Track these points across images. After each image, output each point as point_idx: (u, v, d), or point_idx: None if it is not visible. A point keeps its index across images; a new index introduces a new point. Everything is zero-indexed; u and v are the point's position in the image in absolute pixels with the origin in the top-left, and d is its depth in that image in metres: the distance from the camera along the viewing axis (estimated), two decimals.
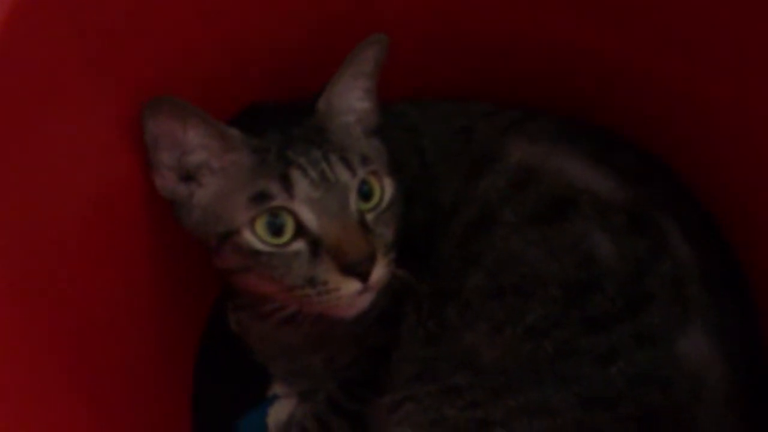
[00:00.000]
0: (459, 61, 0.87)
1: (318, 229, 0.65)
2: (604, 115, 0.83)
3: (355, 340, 0.79)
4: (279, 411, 0.89)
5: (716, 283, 0.71)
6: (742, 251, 0.76)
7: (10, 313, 0.57)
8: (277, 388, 0.90)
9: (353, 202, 0.67)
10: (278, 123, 0.70)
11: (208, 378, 0.90)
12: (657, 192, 0.75)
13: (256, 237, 0.65)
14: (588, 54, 0.80)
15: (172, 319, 0.84)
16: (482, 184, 0.76)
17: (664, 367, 0.67)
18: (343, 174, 0.67)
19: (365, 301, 0.67)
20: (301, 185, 0.65)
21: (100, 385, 0.69)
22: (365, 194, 0.69)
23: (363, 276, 0.65)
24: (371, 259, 0.65)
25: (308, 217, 0.65)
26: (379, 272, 0.66)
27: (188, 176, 0.69)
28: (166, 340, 0.84)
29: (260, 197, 0.65)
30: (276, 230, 0.65)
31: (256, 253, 0.66)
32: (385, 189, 0.70)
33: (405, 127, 0.83)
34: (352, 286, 0.65)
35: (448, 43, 0.85)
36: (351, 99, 0.73)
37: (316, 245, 0.65)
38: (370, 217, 0.69)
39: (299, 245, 0.66)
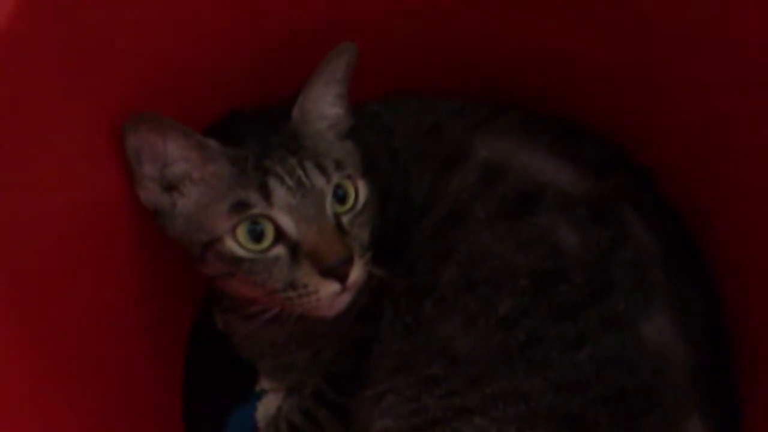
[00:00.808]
0: (431, 62, 0.90)
1: (296, 234, 0.68)
2: (579, 114, 0.85)
3: (338, 335, 0.82)
4: (267, 405, 0.91)
5: (677, 268, 0.74)
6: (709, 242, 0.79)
7: (5, 326, 0.59)
8: (264, 383, 0.93)
9: (329, 206, 0.70)
10: (255, 131, 0.72)
11: (197, 374, 0.93)
12: (618, 182, 0.78)
13: (237, 244, 0.68)
14: (561, 54, 0.82)
15: (160, 319, 0.86)
16: (453, 181, 0.79)
17: (630, 350, 0.69)
18: (319, 180, 0.70)
19: (344, 301, 0.70)
20: (279, 193, 0.68)
21: (92, 384, 0.71)
22: (340, 197, 0.71)
23: (341, 278, 0.68)
24: (349, 262, 0.68)
25: (287, 223, 0.68)
26: (356, 273, 0.69)
27: (170, 187, 0.71)
28: (156, 338, 0.86)
29: (240, 206, 0.68)
30: (256, 237, 0.68)
31: (238, 260, 0.68)
32: (360, 191, 0.73)
33: (377, 127, 0.86)
34: (331, 287, 0.68)
35: (420, 46, 0.88)
36: (323, 105, 0.75)
37: (295, 250, 0.68)
38: (346, 219, 0.71)
39: (279, 250, 0.68)
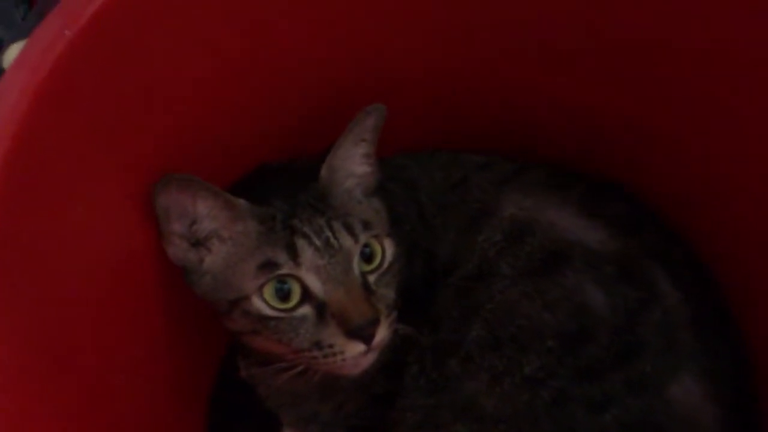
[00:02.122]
0: (454, 117, 0.91)
1: (323, 294, 0.68)
2: (600, 167, 0.86)
3: (361, 389, 0.81)
4: None
5: (707, 327, 0.74)
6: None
7: (29, 387, 0.60)
8: None
9: (356, 266, 0.70)
10: (283, 188, 0.73)
11: (221, 423, 0.93)
12: (646, 240, 0.78)
13: (264, 303, 0.69)
14: (582, 110, 0.83)
15: (186, 368, 0.86)
16: (479, 237, 0.79)
17: (657, 412, 0.69)
18: (347, 240, 0.70)
19: (369, 360, 0.70)
20: (307, 253, 0.68)
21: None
22: (367, 256, 0.72)
23: (367, 339, 0.68)
24: (375, 323, 0.68)
25: (314, 283, 0.68)
26: (382, 333, 0.69)
27: (198, 243, 0.72)
28: (181, 388, 0.86)
29: (268, 265, 0.68)
30: (283, 296, 0.68)
31: (264, 318, 0.69)
32: (386, 250, 0.73)
33: (403, 180, 0.86)
34: (357, 348, 0.68)
35: (444, 102, 0.89)
36: (352, 164, 0.76)
37: (321, 310, 0.68)
38: (372, 278, 0.72)
39: (306, 310, 0.69)
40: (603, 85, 0.80)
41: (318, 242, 0.69)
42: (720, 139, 0.75)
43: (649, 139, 0.82)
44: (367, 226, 0.72)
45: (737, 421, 0.72)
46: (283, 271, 0.68)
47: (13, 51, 0.98)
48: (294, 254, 0.68)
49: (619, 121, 0.82)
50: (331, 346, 0.68)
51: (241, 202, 0.70)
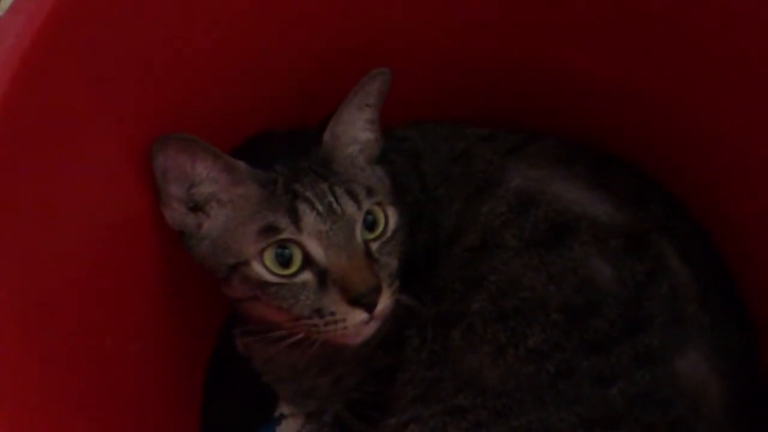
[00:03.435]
0: (458, 87, 0.89)
1: (325, 260, 0.67)
2: (604, 139, 0.84)
3: (360, 362, 0.80)
4: (286, 430, 0.90)
5: (714, 302, 0.73)
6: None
7: (26, 338, 0.59)
8: (284, 408, 0.91)
9: (359, 233, 0.69)
10: (284, 154, 0.72)
11: (216, 397, 0.91)
12: (653, 214, 0.77)
13: (264, 268, 0.67)
14: (592, 84, 0.82)
15: (181, 341, 0.85)
16: (483, 208, 0.78)
17: (664, 386, 0.68)
18: (349, 206, 0.68)
19: (370, 329, 0.69)
20: (308, 218, 0.67)
21: (111, 406, 0.71)
22: (370, 224, 0.70)
23: (369, 307, 0.67)
24: (377, 291, 0.67)
25: (315, 249, 0.67)
26: (384, 302, 0.68)
27: (196, 207, 0.70)
28: (175, 361, 0.85)
29: (269, 230, 0.67)
30: (284, 261, 0.67)
31: (264, 284, 0.67)
32: (389, 218, 0.72)
33: (406, 151, 0.85)
34: (358, 316, 0.67)
35: (447, 72, 0.87)
36: (355, 130, 0.74)
37: (323, 276, 0.67)
38: (374, 246, 0.70)
39: (307, 276, 0.67)
40: (613, 58, 0.79)
41: (320, 207, 0.67)
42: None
43: (663, 115, 0.80)
44: (370, 192, 0.71)
45: (742, 396, 0.71)
46: (284, 235, 0.67)
47: None
48: (295, 219, 0.67)
49: (629, 95, 0.81)
50: (332, 313, 0.67)
51: (242, 164, 0.69)
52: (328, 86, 0.76)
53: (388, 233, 0.72)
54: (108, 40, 0.60)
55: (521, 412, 0.69)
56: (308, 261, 0.67)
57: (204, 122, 0.71)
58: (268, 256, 0.67)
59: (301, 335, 0.70)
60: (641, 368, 0.68)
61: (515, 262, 0.74)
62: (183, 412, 0.88)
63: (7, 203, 0.55)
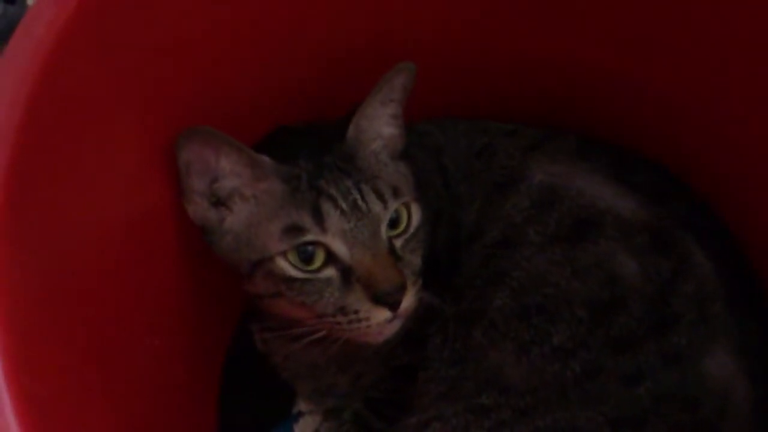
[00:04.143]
0: (476, 83, 0.88)
1: (349, 259, 0.66)
2: (623, 135, 0.83)
3: (381, 360, 0.80)
4: (304, 428, 0.89)
5: (739, 301, 0.72)
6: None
7: (48, 333, 0.58)
8: (302, 406, 0.90)
9: (384, 232, 0.68)
10: (308, 149, 0.71)
11: (233, 394, 0.91)
12: (678, 210, 0.76)
13: (288, 263, 0.67)
14: (610, 78, 0.81)
15: (199, 336, 0.84)
16: (506, 204, 0.77)
17: (691, 386, 0.67)
18: (376, 205, 0.68)
19: (394, 328, 0.69)
20: (333, 218, 0.66)
21: (130, 401, 0.70)
22: (393, 221, 0.70)
23: (393, 305, 0.66)
24: (402, 289, 0.66)
25: (340, 248, 0.66)
26: (408, 301, 0.67)
27: (219, 202, 0.70)
28: (193, 356, 0.84)
29: (293, 230, 0.66)
30: (306, 257, 0.66)
31: (289, 280, 0.67)
32: (413, 215, 0.71)
33: (428, 146, 0.84)
34: (382, 315, 0.66)
35: (465, 68, 0.87)
36: (379, 125, 0.74)
37: (347, 274, 0.66)
38: (398, 243, 0.70)
39: (330, 272, 0.67)
40: (629, 55, 0.78)
41: (344, 205, 0.67)
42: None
43: (682, 114, 0.80)
44: (396, 192, 0.70)
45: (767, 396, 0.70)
46: (309, 237, 0.66)
47: None
48: (320, 219, 0.66)
49: (648, 93, 0.80)
50: (356, 311, 0.66)
51: (266, 159, 0.68)
52: (345, 85, 0.76)
53: (411, 230, 0.71)
54: (132, 32, 0.60)
55: (546, 412, 0.68)
56: (331, 258, 0.67)
57: (226, 116, 0.71)
58: (292, 254, 0.67)
59: (323, 333, 0.70)
60: (668, 368, 0.68)
61: (538, 258, 0.73)
62: (201, 408, 0.88)
63: (31, 195, 0.54)
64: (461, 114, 0.89)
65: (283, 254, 0.66)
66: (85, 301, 0.63)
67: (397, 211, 0.70)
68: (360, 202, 0.67)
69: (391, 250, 0.68)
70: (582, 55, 0.81)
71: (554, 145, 0.82)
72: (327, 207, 0.66)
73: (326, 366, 0.82)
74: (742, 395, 0.68)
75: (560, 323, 0.70)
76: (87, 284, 0.63)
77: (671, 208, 0.76)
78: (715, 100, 0.74)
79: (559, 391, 0.69)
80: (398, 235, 0.70)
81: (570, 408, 0.68)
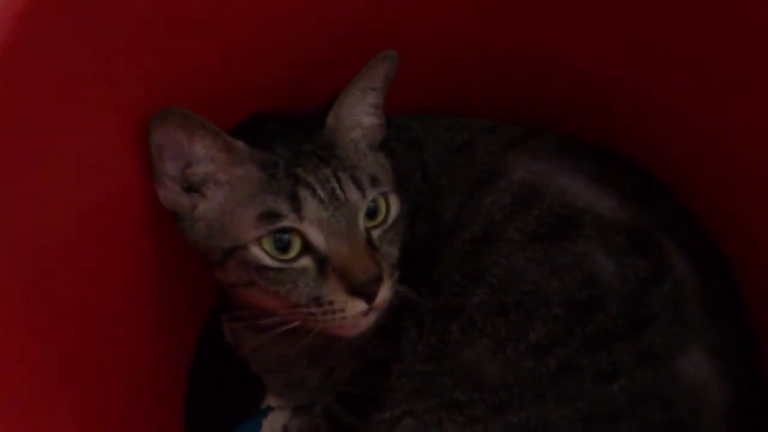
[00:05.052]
0: (461, 79, 0.88)
1: (325, 248, 0.65)
2: (603, 135, 0.83)
3: (354, 354, 0.79)
4: (273, 423, 0.88)
5: (716, 302, 0.72)
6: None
7: (10, 316, 0.57)
8: (271, 400, 0.89)
9: (362, 222, 0.67)
10: (286, 136, 0.70)
11: (201, 389, 0.89)
12: (657, 211, 0.76)
13: (263, 251, 0.65)
14: (596, 79, 0.81)
15: (167, 328, 0.83)
16: (486, 200, 0.76)
17: (666, 385, 0.67)
18: (354, 194, 0.67)
19: (369, 321, 0.68)
20: (310, 206, 0.65)
21: (94, 391, 0.69)
22: (371, 211, 0.69)
23: (369, 297, 0.65)
24: (378, 280, 0.65)
25: (316, 236, 0.65)
26: (384, 293, 0.66)
27: (192, 188, 0.68)
28: (161, 349, 0.83)
29: (269, 216, 0.65)
30: (282, 246, 0.65)
31: (263, 268, 0.66)
32: (391, 206, 0.71)
33: (408, 140, 0.84)
34: (358, 306, 0.65)
35: (451, 61, 0.86)
36: (359, 114, 0.73)
37: (323, 263, 0.65)
38: (375, 234, 0.69)
39: (306, 261, 0.66)
40: (619, 52, 0.77)
41: (322, 193, 0.66)
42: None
43: (671, 116, 0.79)
44: (374, 182, 0.69)
45: (744, 398, 0.70)
46: (285, 223, 0.65)
47: None
48: (297, 206, 0.65)
49: (634, 92, 0.80)
50: (331, 302, 0.65)
51: (242, 144, 0.67)
52: (327, 74, 0.74)
53: (390, 221, 0.70)
54: (102, 10, 0.58)
55: (520, 408, 0.68)
56: (308, 247, 0.66)
57: (202, 100, 0.69)
58: (267, 241, 0.65)
59: (295, 324, 0.69)
60: (643, 366, 0.67)
61: (518, 255, 0.73)
62: (167, 401, 0.86)
63: None
64: (445, 110, 0.88)
65: (258, 242, 0.65)
66: (48, 286, 0.61)
67: (375, 201, 0.69)
68: (338, 191, 0.66)
69: (369, 240, 0.68)
70: (567, 54, 0.80)
71: (535, 142, 0.81)
72: (304, 195, 0.65)
73: (297, 359, 0.81)
74: (717, 396, 0.68)
75: (537, 320, 0.70)
76: (50, 267, 0.62)
77: (651, 210, 0.75)
78: (712, 106, 0.74)
79: (534, 387, 0.68)
80: (376, 226, 0.69)
81: (545, 404, 0.67)
